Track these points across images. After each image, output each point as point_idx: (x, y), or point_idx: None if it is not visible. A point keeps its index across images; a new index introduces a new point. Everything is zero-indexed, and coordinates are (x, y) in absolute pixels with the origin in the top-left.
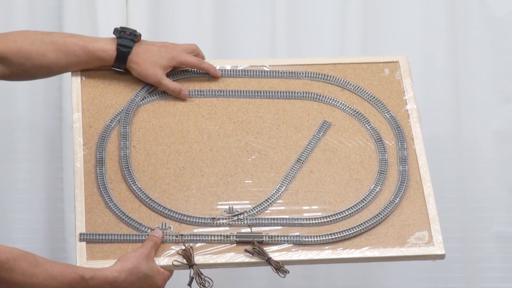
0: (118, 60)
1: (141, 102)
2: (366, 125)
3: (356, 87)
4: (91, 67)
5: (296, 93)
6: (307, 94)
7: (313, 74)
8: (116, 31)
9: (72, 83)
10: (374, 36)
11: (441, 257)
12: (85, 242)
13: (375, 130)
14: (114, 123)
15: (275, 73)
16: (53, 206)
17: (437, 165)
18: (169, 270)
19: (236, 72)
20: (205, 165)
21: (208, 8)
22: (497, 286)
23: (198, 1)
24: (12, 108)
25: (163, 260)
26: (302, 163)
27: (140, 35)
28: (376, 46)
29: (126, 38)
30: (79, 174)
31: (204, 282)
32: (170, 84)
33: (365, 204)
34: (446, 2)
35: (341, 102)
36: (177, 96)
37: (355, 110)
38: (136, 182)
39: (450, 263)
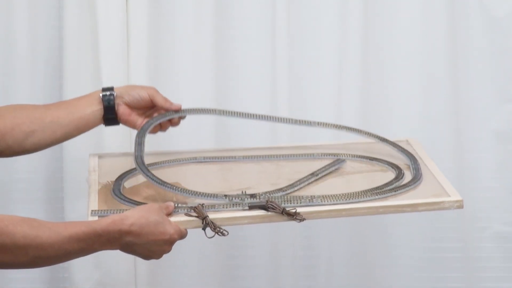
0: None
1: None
2: (380, 164)
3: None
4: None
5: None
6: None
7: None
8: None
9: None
10: (374, 35)
11: (459, 203)
12: (96, 217)
13: (391, 163)
14: None
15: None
16: (53, 206)
17: (437, 165)
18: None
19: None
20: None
21: (208, 8)
22: (497, 286)
23: (198, 1)
24: None
25: (173, 219)
26: (317, 176)
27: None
28: (376, 46)
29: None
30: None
31: (218, 230)
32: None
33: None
34: (446, 2)
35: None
36: (170, 108)
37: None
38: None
39: (449, 263)
